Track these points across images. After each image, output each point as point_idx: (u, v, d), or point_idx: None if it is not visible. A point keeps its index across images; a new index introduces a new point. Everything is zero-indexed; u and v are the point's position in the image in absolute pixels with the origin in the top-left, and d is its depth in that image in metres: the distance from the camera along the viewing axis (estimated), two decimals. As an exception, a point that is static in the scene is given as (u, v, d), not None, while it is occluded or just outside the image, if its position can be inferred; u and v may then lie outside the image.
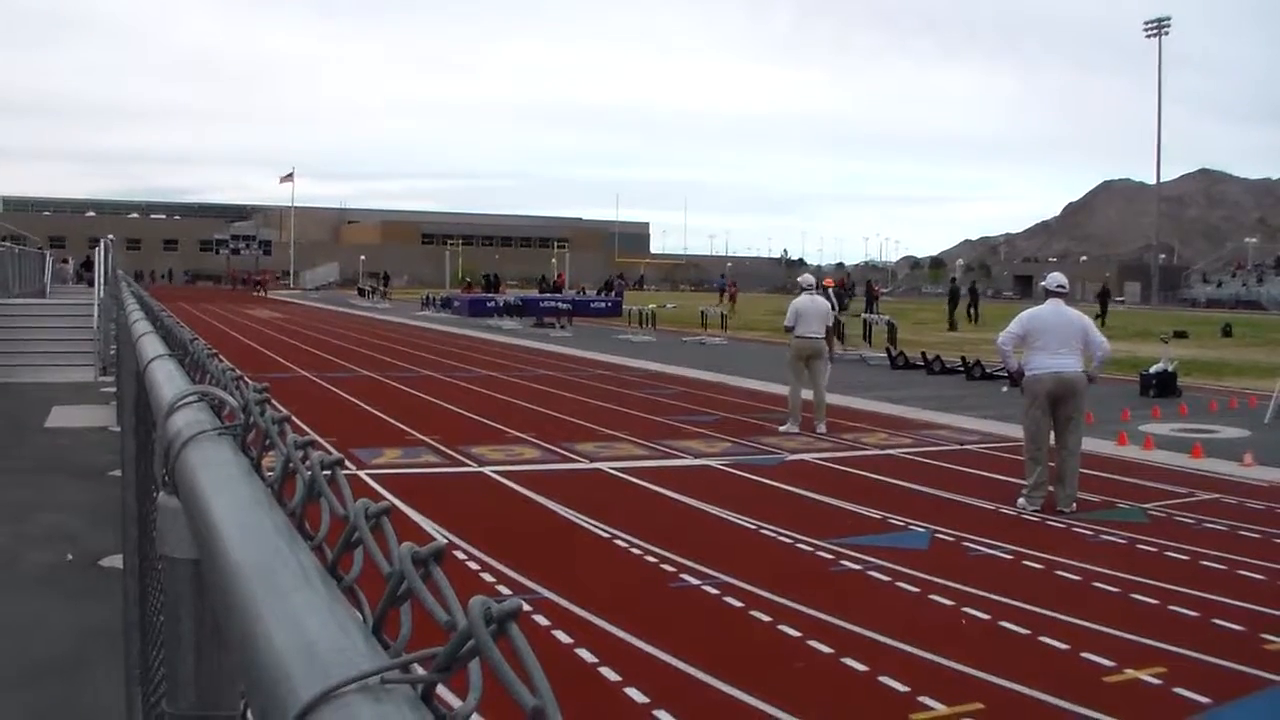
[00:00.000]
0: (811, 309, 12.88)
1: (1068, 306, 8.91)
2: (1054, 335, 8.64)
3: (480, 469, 9.84)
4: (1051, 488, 8.59)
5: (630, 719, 4.42)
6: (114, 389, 12.89)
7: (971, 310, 41.23)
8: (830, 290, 25.72)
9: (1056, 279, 9.13)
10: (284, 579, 0.72)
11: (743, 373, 19.41)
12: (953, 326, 36.51)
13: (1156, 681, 4.88)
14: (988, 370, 18.80)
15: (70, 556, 6.66)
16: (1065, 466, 8.58)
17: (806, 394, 12.77)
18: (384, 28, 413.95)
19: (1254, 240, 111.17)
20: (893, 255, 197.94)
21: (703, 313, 32.18)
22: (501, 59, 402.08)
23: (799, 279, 13.98)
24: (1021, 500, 8.63)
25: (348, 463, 9.41)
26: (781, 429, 12.47)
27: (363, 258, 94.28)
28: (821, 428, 12.43)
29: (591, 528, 7.67)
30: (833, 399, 14.72)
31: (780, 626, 5.59)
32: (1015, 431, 9.90)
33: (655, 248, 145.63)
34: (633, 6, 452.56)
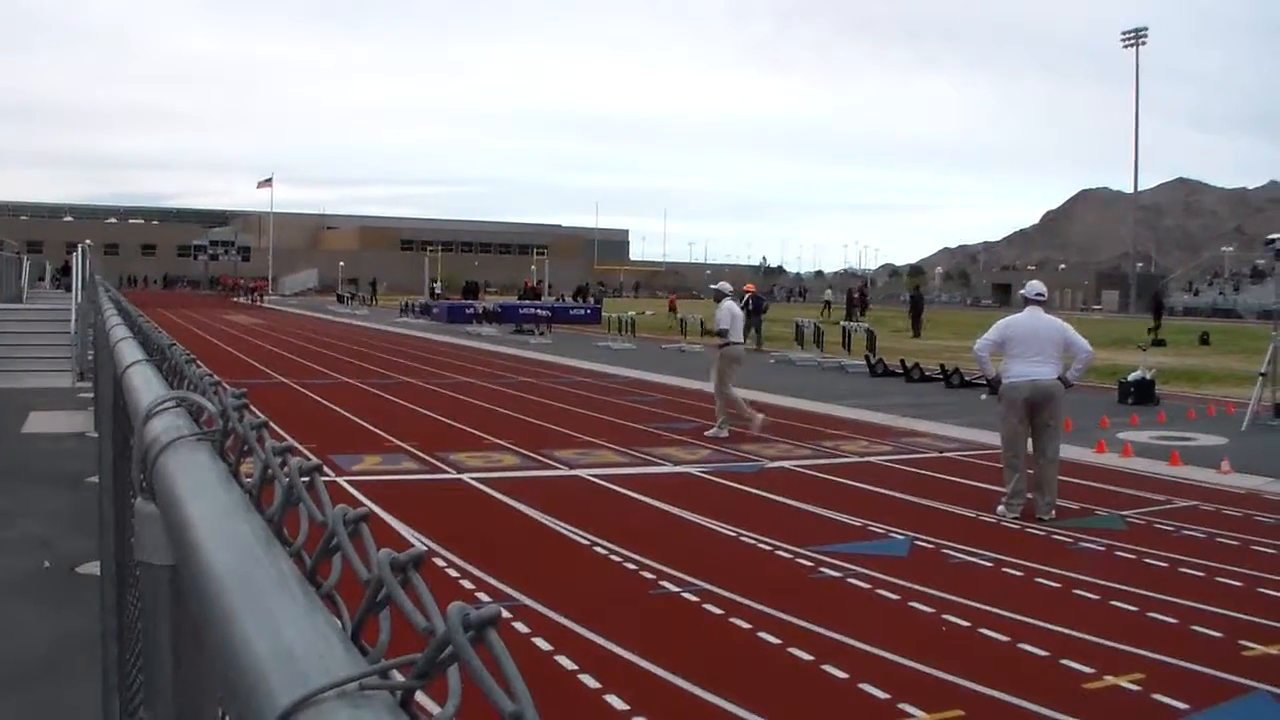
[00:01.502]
0: (738, 314, 13.30)
1: (1046, 314, 8.97)
2: (1030, 343, 8.70)
3: (459, 476, 9.81)
4: (1030, 495, 8.63)
5: (610, 726, 4.41)
6: (92, 394, 12.79)
7: (914, 320, 37.65)
8: (750, 295, 26.34)
9: (1035, 287, 9.21)
10: (262, 585, 0.72)
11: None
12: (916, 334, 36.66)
13: (1135, 688, 4.90)
14: (967, 378, 18.86)
15: (47, 563, 6.60)
16: (1044, 474, 8.62)
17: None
18: (365, 35, 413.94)
19: (1230, 249, 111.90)
20: (872, 263, 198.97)
21: (682, 320, 32.15)
22: (482, 66, 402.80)
23: (716, 285, 14.07)
24: (1001, 507, 8.67)
25: (326, 469, 9.32)
26: (755, 429, 12.54)
27: (341, 264, 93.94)
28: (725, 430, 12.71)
29: (571, 535, 7.65)
30: (813, 406, 14.75)
31: (760, 634, 5.59)
32: (994, 439, 9.93)
33: (635, 254, 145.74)
34: (614, 14, 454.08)
